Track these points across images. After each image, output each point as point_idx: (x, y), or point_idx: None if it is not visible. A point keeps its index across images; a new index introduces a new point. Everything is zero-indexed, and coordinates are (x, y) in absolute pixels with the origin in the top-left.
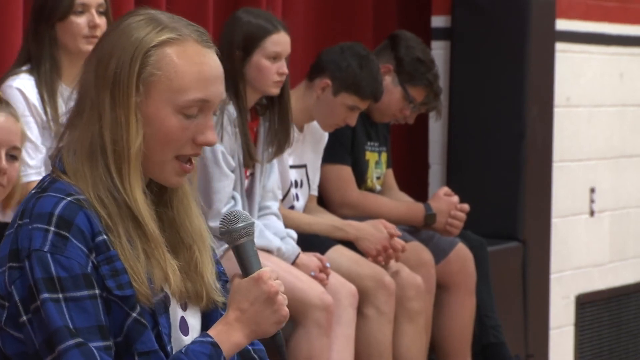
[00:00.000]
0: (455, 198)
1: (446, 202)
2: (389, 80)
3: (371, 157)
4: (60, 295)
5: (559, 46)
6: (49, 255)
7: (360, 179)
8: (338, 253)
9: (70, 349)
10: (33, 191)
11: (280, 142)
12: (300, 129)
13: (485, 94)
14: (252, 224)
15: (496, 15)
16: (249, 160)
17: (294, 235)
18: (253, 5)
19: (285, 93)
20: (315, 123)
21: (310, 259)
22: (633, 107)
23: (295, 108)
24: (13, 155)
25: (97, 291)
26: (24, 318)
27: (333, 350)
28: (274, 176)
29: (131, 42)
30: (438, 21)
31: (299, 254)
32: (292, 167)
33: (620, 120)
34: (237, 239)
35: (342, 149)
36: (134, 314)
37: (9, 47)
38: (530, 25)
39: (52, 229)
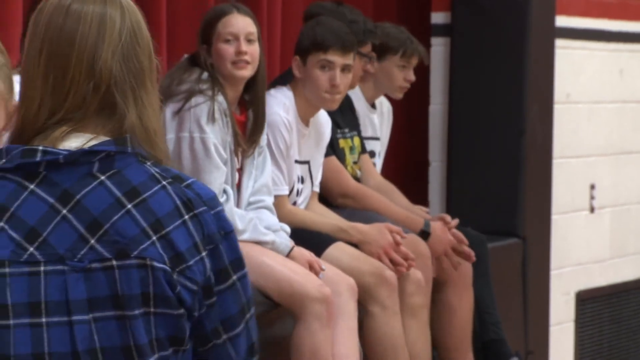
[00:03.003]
0: (452, 239)
1: (444, 237)
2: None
3: (345, 144)
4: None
5: (559, 43)
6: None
7: None
8: (339, 250)
9: None
10: (172, 182)
11: (253, 128)
12: (307, 124)
13: (485, 90)
14: None
15: (496, 11)
16: (237, 150)
17: (287, 229)
18: (252, 5)
19: (258, 78)
20: (318, 118)
21: (303, 252)
22: (633, 104)
23: (298, 105)
24: None
25: None
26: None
27: (338, 343)
28: (267, 171)
29: None
30: (438, 18)
31: (292, 247)
32: (296, 162)
33: (620, 117)
34: None
35: None
36: None
37: (9, 48)
38: (530, 21)
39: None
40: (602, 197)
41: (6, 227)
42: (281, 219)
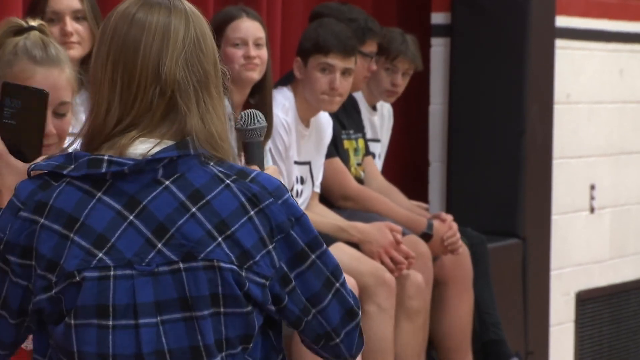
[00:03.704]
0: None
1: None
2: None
3: (349, 145)
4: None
5: (559, 43)
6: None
7: None
8: (339, 250)
9: None
10: (236, 180)
11: None
12: (307, 125)
13: (485, 90)
14: (264, 127)
15: (496, 12)
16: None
17: None
18: (253, 4)
19: (266, 82)
20: (319, 119)
21: None
22: (633, 104)
23: (298, 106)
24: (61, 113)
25: None
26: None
27: None
28: None
29: None
30: (438, 18)
31: None
32: (296, 163)
33: (620, 117)
34: (248, 137)
35: None
36: None
37: None
38: (530, 22)
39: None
40: (602, 198)
41: (76, 238)
42: None
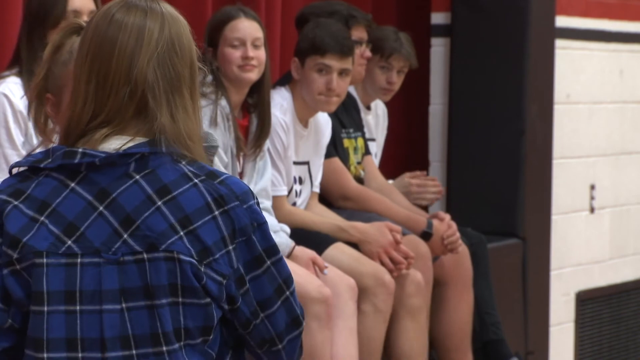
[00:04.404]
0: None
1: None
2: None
3: (349, 144)
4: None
5: (559, 43)
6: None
7: None
8: (339, 250)
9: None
10: (204, 180)
11: (259, 133)
12: (305, 125)
13: (485, 90)
14: (215, 147)
15: (496, 12)
16: (239, 155)
17: (287, 229)
18: (252, 4)
19: (265, 82)
20: (318, 119)
21: (305, 251)
22: (633, 104)
23: (297, 106)
24: None
25: None
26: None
27: (337, 344)
28: (267, 175)
29: None
30: (438, 18)
31: (293, 246)
32: (294, 163)
33: (621, 117)
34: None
35: None
36: None
37: (7, 47)
38: (530, 22)
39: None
40: (602, 198)
41: (46, 221)
42: (280, 219)
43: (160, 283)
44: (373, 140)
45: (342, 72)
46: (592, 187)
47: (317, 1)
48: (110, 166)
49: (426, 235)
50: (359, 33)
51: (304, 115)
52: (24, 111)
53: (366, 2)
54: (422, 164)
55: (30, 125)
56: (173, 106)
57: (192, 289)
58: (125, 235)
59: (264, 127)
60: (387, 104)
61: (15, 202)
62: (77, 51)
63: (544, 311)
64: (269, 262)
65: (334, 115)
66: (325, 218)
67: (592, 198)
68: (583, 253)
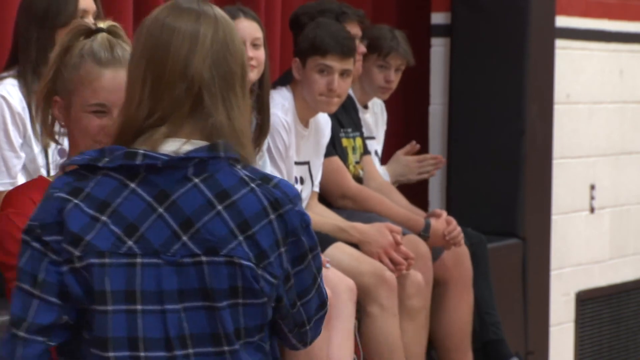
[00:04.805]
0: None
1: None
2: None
3: (347, 143)
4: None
5: (559, 43)
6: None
7: None
8: (339, 250)
9: None
10: (260, 184)
11: (259, 133)
12: (306, 125)
13: (485, 90)
14: None
15: (496, 12)
16: None
17: None
18: (252, 4)
19: (264, 82)
20: (318, 119)
21: None
22: (633, 104)
23: (297, 106)
24: None
25: None
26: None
27: (333, 345)
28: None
29: None
30: (438, 18)
31: None
32: (295, 163)
33: (620, 117)
34: None
35: None
36: None
37: (6, 47)
38: (530, 22)
39: None
40: (602, 198)
41: (108, 221)
42: None
43: (221, 286)
44: (373, 138)
45: (343, 73)
46: (592, 187)
47: (311, 2)
48: (170, 169)
49: (424, 237)
50: (352, 29)
51: (305, 116)
52: (22, 113)
53: (366, 2)
54: None
55: (29, 127)
56: (228, 105)
57: (252, 291)
58: (184, 238)
59: (264, 126)
60: (387, 105)
61: (76, 201)
62: (131, 55)
63: (544, 311)
64: (310, 257)
65: (332, 115)
66: (325, 218)
67: (592, 198)
68: (583, 253)
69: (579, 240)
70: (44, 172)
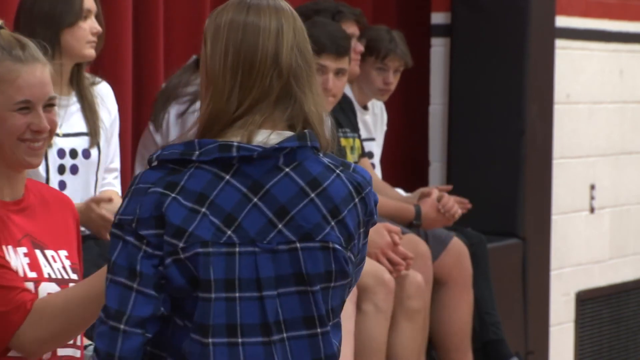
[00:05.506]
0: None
1: (434, 216)
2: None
3: (346, 143)
4: None
5: (559, 43)
6: None
7: None
8: None
9: None
10: (343, 170)
11: None
12: None
13: (485, 90)
14: None
15: (496, 12)
16: None
17: None
18: None
19: None
20: None
21: None
22: (633, 104)
23: None
24: (51, 105)
25: None
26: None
27: None
28: None
29: None
30: (438, 18)
31: None
32: None
33: (621, 117)
34: None
35: None
36: None
37: None
38: (530, 22)
39: None
40: (602, 198)
41: (207, 212)
42: None
43: (317, 271)
44: (373, 139)
45: (339, 72)
46: (592, 187)
47: (309, 2)
48: (262, 159)
49: (416, 225)
50: (348, 28)
51: None
52: None
53: (366, 2)
54: (422, 164)
55: None
56: (314, 90)
57: (343, 273)
58: (280, 226)
59: None
60: (387, 105)
61: (173, 195)
62: (210, 51)
63: (544, 311)
64: (370, 230)
65: (330, 115)
66: None
67: (592, 198)
68: (583, 253)
69: (579, 240)
70: (43, 173)
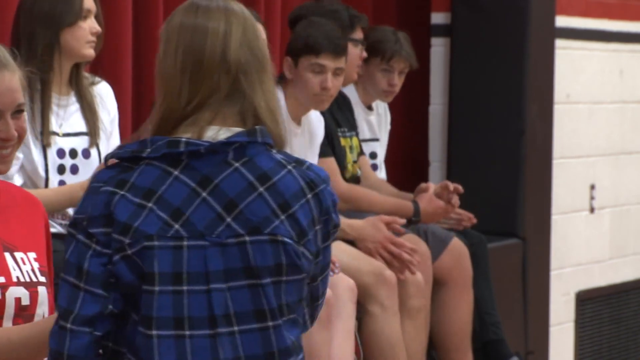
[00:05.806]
0: (441, 203)
1: (434, 206)
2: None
3: (345, 142)
4: None
5: (559, 43)
6: None
7: (342, 166)
8: (338, 249)
9: None
10: (295, 166)
11: None
12: (298, 123)
13: (485, 90)
14: None
15: (496, 11)
16: None
17: None
18: (251, 5)
19: None
20: (311, 118)
21: None
22: (633, 104)
23: (289, 105)
24: (20, 111)
25: None
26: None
27: (334, 345)
28: None
29: None
30: (438, 18)
31: None
32: None
33: (620, 117)
34: None
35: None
36: None
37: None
38: (530, 21)
39: None
40: (602, 198)
41: (154, 207)
42: None
43: (266, 264)
44: (377, 140)
45: (336, 71)
46: (592, 187)
47: (310, 2)
48: (211, 154)
49: (415, 222)
50: (359, 34)
51: (296, 113)
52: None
53: (366, 2)
54: (422, 164)
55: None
56: (264, 87)
57: (295, 267)
58: (228, 219)
59: None
60: (387, 105)
61: (122, 192)
62: (163, 51)
63: (544, 311)
64: (333, 234)
65: (329, 114)
66: None
67: (592, 198)
68: (583, 253)
69: (579, 240)
70: (42, 173)
